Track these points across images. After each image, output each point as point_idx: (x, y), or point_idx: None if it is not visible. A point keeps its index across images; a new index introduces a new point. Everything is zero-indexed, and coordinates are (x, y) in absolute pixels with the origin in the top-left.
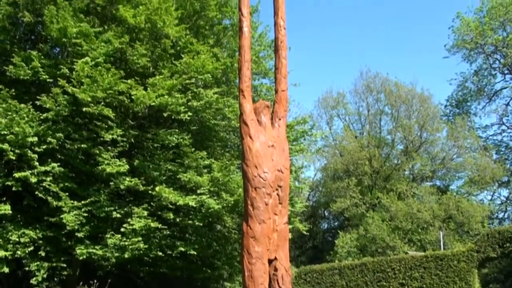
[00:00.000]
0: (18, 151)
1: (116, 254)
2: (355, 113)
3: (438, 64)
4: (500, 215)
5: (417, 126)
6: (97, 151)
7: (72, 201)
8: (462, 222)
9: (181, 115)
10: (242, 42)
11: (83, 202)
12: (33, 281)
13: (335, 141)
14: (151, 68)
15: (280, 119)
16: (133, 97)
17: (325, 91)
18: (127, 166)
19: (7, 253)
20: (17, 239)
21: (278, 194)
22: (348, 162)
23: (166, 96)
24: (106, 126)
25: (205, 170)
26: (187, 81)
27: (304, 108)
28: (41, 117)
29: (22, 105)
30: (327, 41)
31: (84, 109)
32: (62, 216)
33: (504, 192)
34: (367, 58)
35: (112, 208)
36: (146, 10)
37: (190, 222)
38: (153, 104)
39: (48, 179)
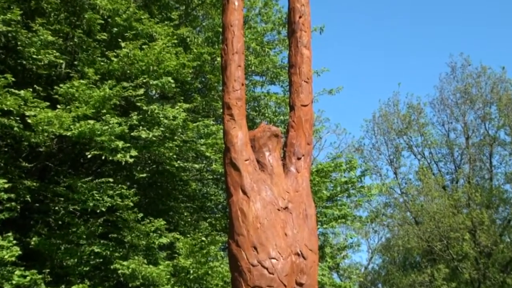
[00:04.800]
0: None
1: None
2: (443, 143)
3: None
4: None
5: None
6: None
7: None
8: None
9: (119, 155)
10: (229, 18)
11: None
12: None
13: (406, 195)
14: (63, 68)
15: (299, 158)
16: (29, 121)
17: (384, 102)
18: (17, 248)
19: None
20: None
21: None
22: (431, 236)
23: (91, 121)
24: None
25: (163, 254)
26: (130, 92)
27: (348, 136)
28: None
29: None
30: (385, 17)
31: None
32: None
33: None
34: (459, 44)
35: None
36: None
37: None
38: (66, 134)
39: None
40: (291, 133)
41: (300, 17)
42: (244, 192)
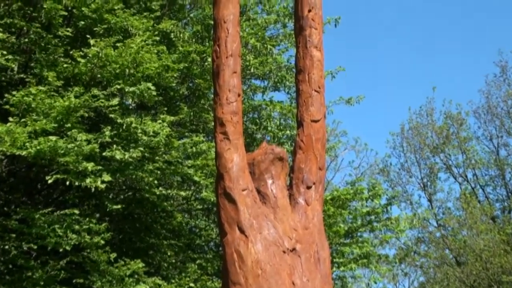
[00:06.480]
0: None
1: None
2: (491, 162)
3: None
4: None
5: None
6: None
7: None
8: None
9: (88, 180)
10: (222, 13)
11: None
12: None
13: (444, 228)
14: (16, 71)
15: (309, 187)
16: None
17: (415, 111)
18: None
19: None
20: None
21: None
22: (477, 280)
23: (52, 138)
24: None
25: None
26: (102, 102)
27: (370, 154)
28: None
29: None
30: (414, 4)
31: None
32: None
33: None
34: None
35: None
36: None
37: None
38: (20, 153)
39: None
40: (299, 156)
41: (309, 10)
42: (242, 231)
